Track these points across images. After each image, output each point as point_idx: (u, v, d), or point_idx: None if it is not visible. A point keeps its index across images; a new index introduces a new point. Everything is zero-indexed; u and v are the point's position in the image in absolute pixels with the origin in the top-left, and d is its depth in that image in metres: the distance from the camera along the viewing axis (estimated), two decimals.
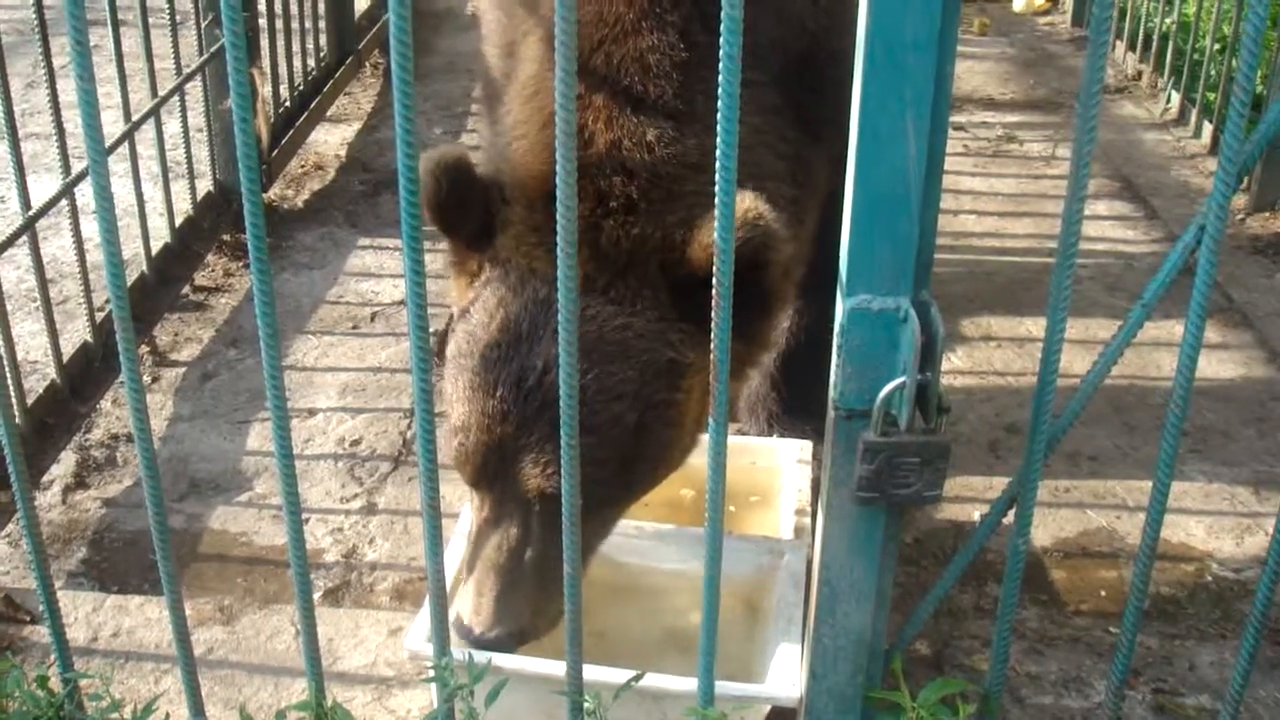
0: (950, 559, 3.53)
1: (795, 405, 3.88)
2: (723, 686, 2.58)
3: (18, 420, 3.80)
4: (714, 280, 2.18)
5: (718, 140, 2.10)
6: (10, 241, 3.78)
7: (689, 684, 2.60)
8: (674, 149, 2.83)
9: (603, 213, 2.77)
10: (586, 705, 2.54)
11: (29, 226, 3.86)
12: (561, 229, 2.14)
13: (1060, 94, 6.98)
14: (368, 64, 7.27)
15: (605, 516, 2.91)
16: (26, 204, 3.85)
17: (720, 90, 2.06)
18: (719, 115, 2.08)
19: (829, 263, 3.55)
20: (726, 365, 2.25)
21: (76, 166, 4.10)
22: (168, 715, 2.65)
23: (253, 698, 2.97)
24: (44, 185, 4.38)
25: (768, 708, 2.77)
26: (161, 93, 4.74)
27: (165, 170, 4.83)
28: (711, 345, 2.23)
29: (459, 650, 2.65)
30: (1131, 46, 7.16)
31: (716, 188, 2.15)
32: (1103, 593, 3.44)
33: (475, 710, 2.44)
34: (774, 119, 3.03)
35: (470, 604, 2.80)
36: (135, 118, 4.55)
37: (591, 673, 2.58)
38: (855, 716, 2.58)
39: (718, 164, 2.14)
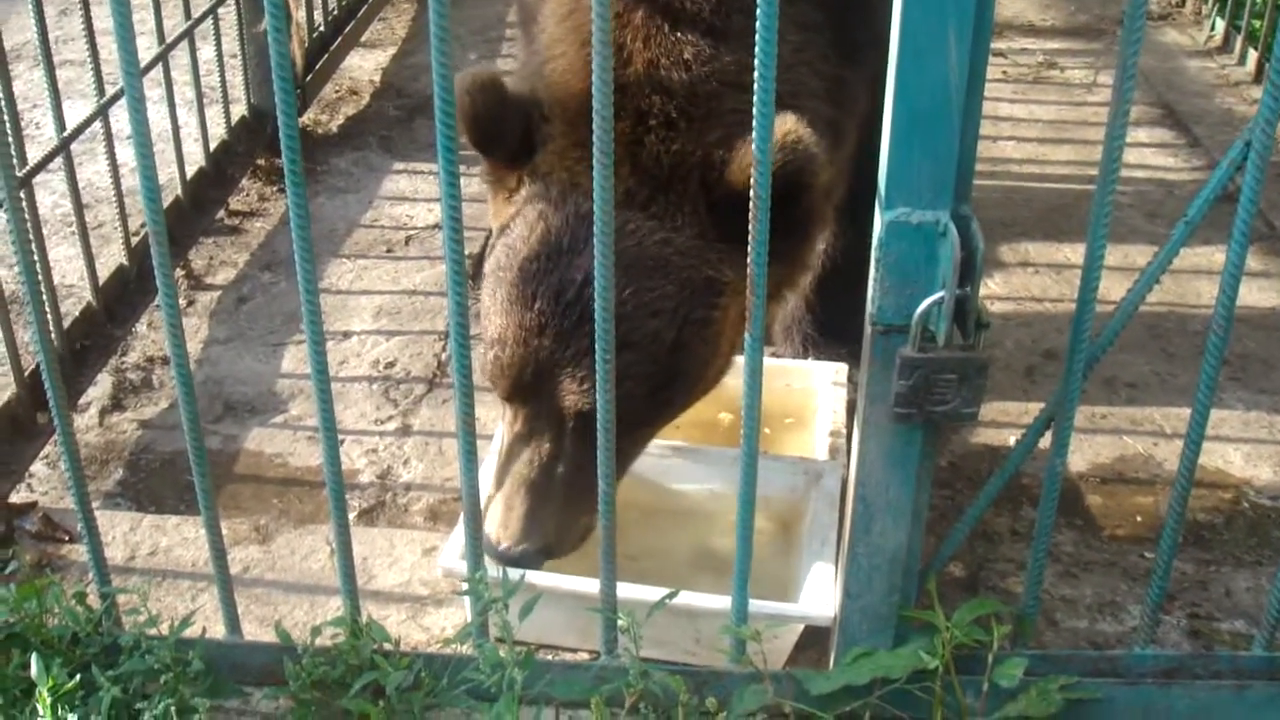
0: (985, 482, 3.50)
1: (831, 328, 3.85)
2: (756, 604, 2.59)
3: (55, 343, 3.82)
4: (751, 200, 2.16)
5: (755, 57, 2.08)
6: (44, 164, 3.76)
7: (723, 602, 2.61)
8: (711, 66, 2.79)
9: (643, 130, 2.75)
10: (620, 623, 2.55)
11: (63, 148, 3.85)
12: (598, 139, 2.13)
13: (1102, 20, 6.87)
14: None
15: (639, 436, 2.90)
16: (61, 127, 3.84)
17: (759, 5, 2.03)
18: (757, 30, 2.06)
19: (867, 187, 3.53)
20: (764, 282, 2.24)
21: (111, 91, 4.09)
22: (204, 630, 2.66)
23: (288, 615, 2.99)
24: (79, 111, 4.35)
25: (801, 626, 2.77)
26: (195, 16, 4.72)
27: (200, 94, 4.81)
28: (749, 263, 2.21)
29: (493, 567, 2.66)
30: None
31: (754, 106, 2.13)
32: (1138, 518, 3.42)
33: (509, 624, 2.44)
34: (814, 37, 2.99)
35: (498, 519, 2.81)
36: (169, 41, 4.51)
37: (625, 591, 2.59)
38: (889, 636, 2.57)
39: (755, 81, 2.11)
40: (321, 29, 6.00)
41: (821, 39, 3.01)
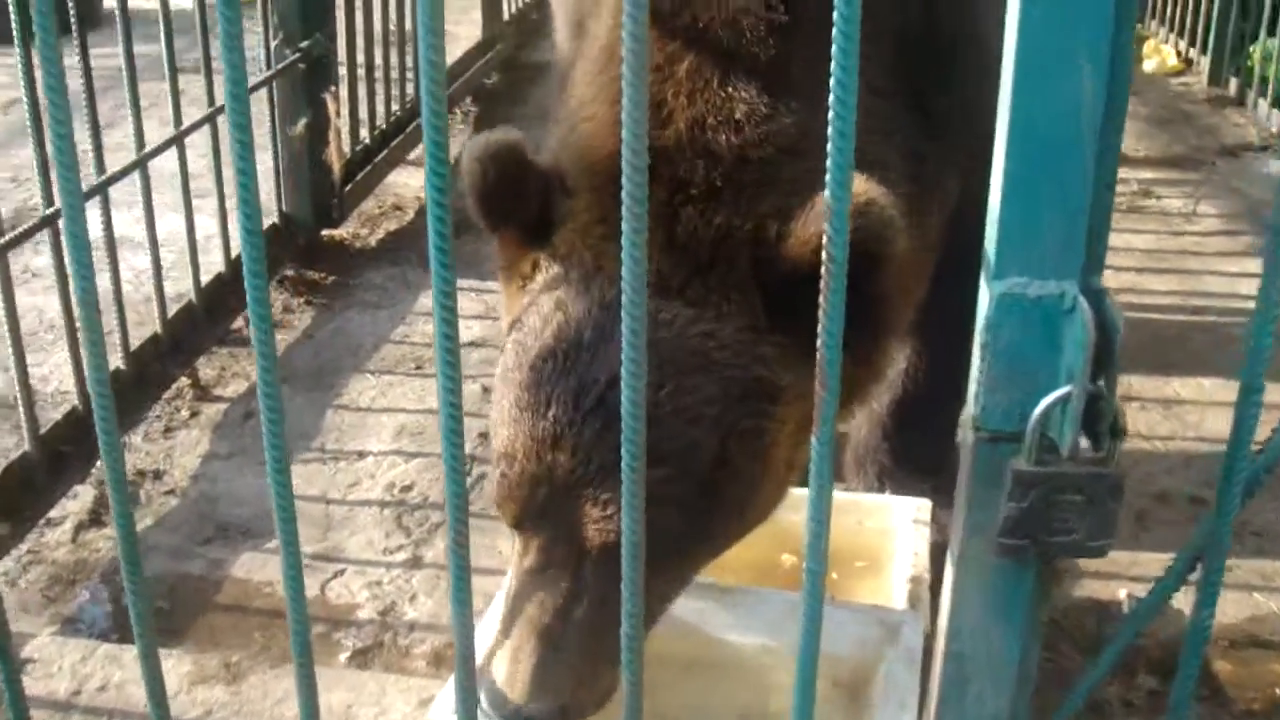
0: (1092, 644, 2.98)
1: (910, 459, 3.34)
2: None
3: (27, 448, 3.40)
4: (823, 259, 1.67)
5: (831, 101, 1.61)
6: (17, 242, 3.38)
7: None
8: (766, 128, 2.34)
9: (681, 200, 2.29)
10: None
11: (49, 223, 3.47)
12: (628, 202, 1.66)
13: (1199, 151, 6.43)
14: (458, 110, 6.91)
15: (675, 573, 2.39)
16: (49, 203, 3.46)
17: (834, 47, 1.57)
18: (833, 71, 1.59)
19: (951, 292, 3.08)
20: (837, 369, 1.74)
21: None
22: None
23: None
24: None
25: None
26: (221, 120, 4.37)
27: (222, 198, 4.43)
28: (819, 343, 1.72)
29: None
30: (1276, 104, 6.62)
31: (829, 153, 1.65)
32: (1277, 689, 2.86)
33: None
34: (886, 104, 2.54)
35: (505, 671, 2.30)
36: (183, 127, 4.15)
37: None
38: None
39: (830, 126, 1.64)
40: (366, 142, 5.65)
41: (894, 106, 2.57)
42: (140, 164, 3.89)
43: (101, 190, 3.71)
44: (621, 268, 1.65)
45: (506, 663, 2.31)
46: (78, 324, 3.65)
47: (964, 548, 1.84)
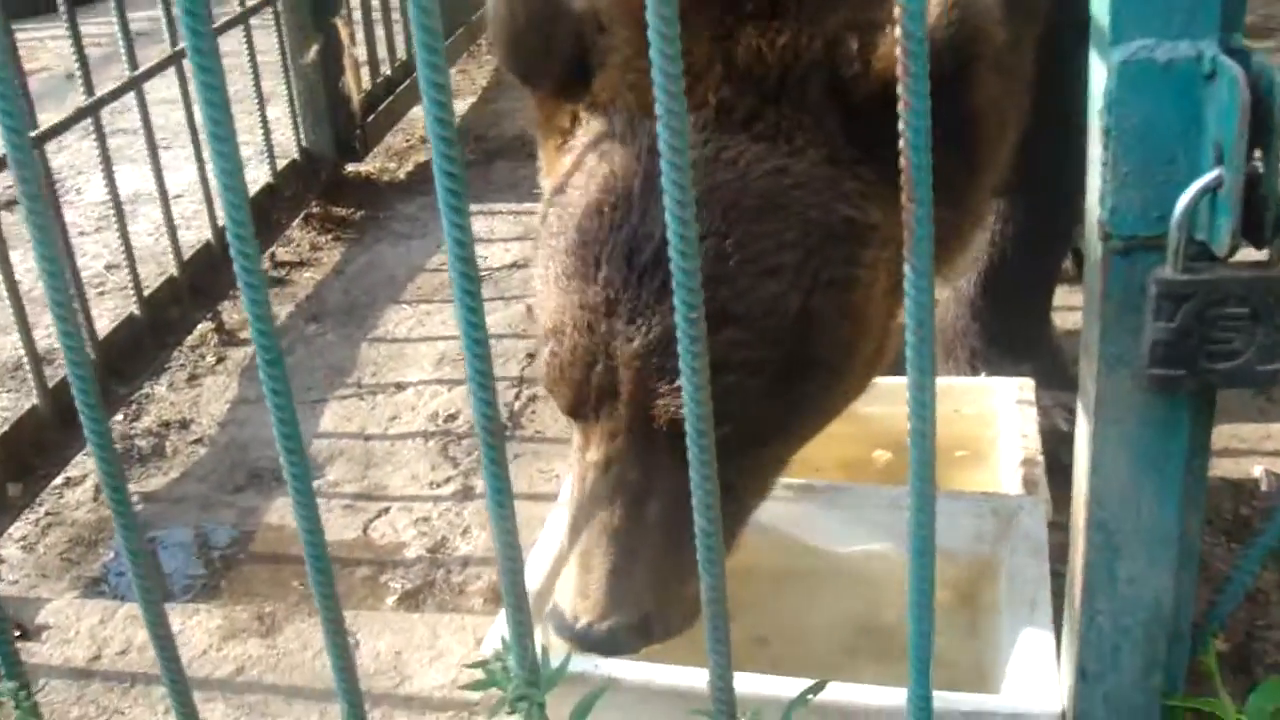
0: (1232, 527, 2.64)
1: (1005, 339, 2.98)
2: (945, 698, 1.72)
3: (36, 403, 3.13)
4: (900, 41, 1.32)
5: None
6: None
7: (894, 696, 1.76)
8: None
9: (735, 20, 1.96)
10: None
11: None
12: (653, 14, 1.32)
13: (1268, 19, 6.02)
14: (483, 40, 6.58)
15: (761, 460, 2.07)
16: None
17: None
18: None
19: (1039, 147, 2.71)
20: (928, 184, 1.39)
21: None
22: None
23: None
24: (125, 174, 3.78)
25: None
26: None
27: (232, 131, 4.12)
28: (902, 149, 1.37)
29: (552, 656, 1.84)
30: None
31: None
32: None
33: None
34: None
35: (574, 585, 1.99)
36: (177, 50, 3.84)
37: (748, 684, 1.75)
38: None
39: None
40: (388, 72, 5.33)
41: None
42: (135, 85, 3.59)
43: (93, 113, 3.43)
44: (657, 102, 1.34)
45: (575, 575, 2.01)
46: (103, 288, 3.42)
47: (1100, 389, 1.50)
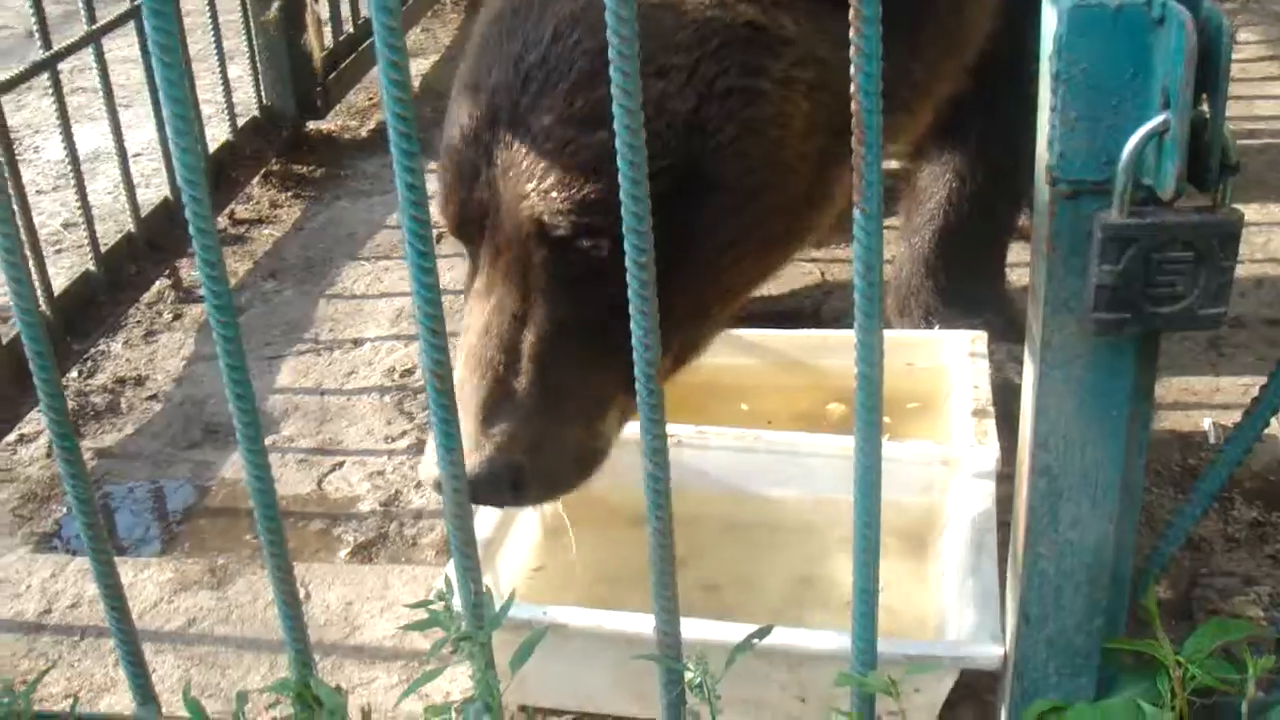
0: (1178, 478, 2.67)
1: (959, 294, 3.00)
2: (890, 643, 1.73)
3: None
4: None
5: None
6: None
7: (838, 641, 1.77)
8: None
9: None
10: (688, 675, 1.70)
11: None
12: None
13: None
14: None
15: (668, 298, 2.03)
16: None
17: None
18: None
19: (995, 98, 2.71)
20: (879, 130, 1.38)
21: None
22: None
23: (241, 680, 2.21)
24: (85, 133, 3.76)
25: (955, 673, 1.90)
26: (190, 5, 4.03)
27: (193, 95, 4.09)
28: (853, 101, 1.37)
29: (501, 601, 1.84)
30: None
31: None
32: None
33: (496, 686, 1.62)
34: None
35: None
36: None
37: (695, 629, 1.76)
38: (1090, 679, 1.72)
39: None
40: (350, 30, 5.29)
41: None
42: (94, 38, 3.55)
43: (50, 67, 3.39)
44: None
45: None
46: (59, 244, 3.38)
47: (1046, 333, 1.51)
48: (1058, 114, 1.41)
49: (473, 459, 1.84)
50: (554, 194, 1.82)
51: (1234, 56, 4.23)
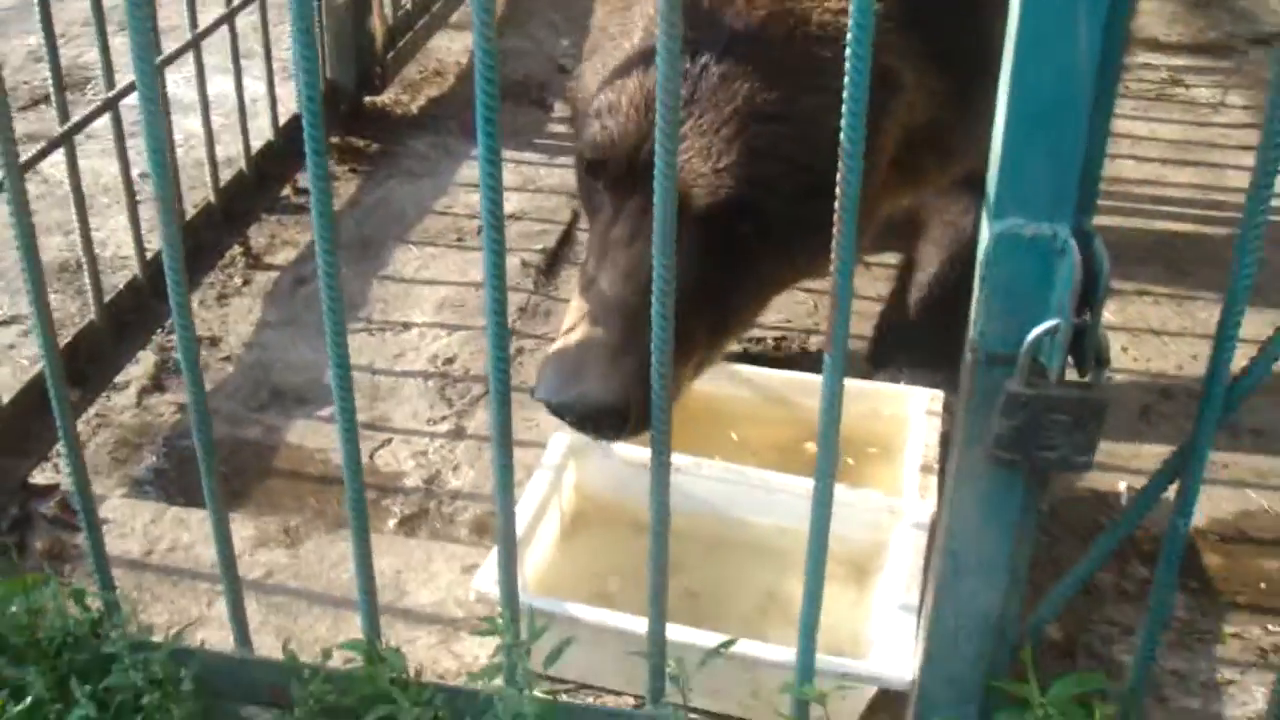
0: (1089, 533, 3.17)
1: (930, 353, 3.48)
2: (825, 660, 2.27)
3: (94, 318, 3.60)
4: None
5: None
6: (86, 122, 3.53)
7: (786, 654, 2.30)
8: None
9: None
10: (669, 670, 2.26)
11: (110, 108, 3.63)
12: None
13: (1232, 38, 6.39)
14: None
15: (772, 269, 2.49)
16: (110, 84, 3.61)
17: None
18: None
19: (970, 209, 3.18)
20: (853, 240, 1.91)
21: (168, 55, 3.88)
22: (204, 642, 2.41)
23: (308, 630, 2.72)
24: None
25: (874, 689, 2.45)
26: None
27: (270, 65, 4.54)
28: (835, 242, 1.89)
29: (529, 598, 2.38)
30: None
31: None
32: (1263, 584, 3.04)
33: (531, 672, 2.17)
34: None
35: (571, 352, 2.33)
36: (234, 4, 4.27)
37: (677, 634, 2.30)
38: (974, 708, 2.25)
39: None
40: (408, 6, 5.74)
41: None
42: (195, 44, 4.03)
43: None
44: None
45: (577, 335, 2.31)
46: (142, 197, 3.83)
47: (962, 457, 2.03)
48: (982, 304, 1.91)
49: (601, 395, 2.27)
50: (714, 175, 2.26)
51: (1217, 121, 4.68)
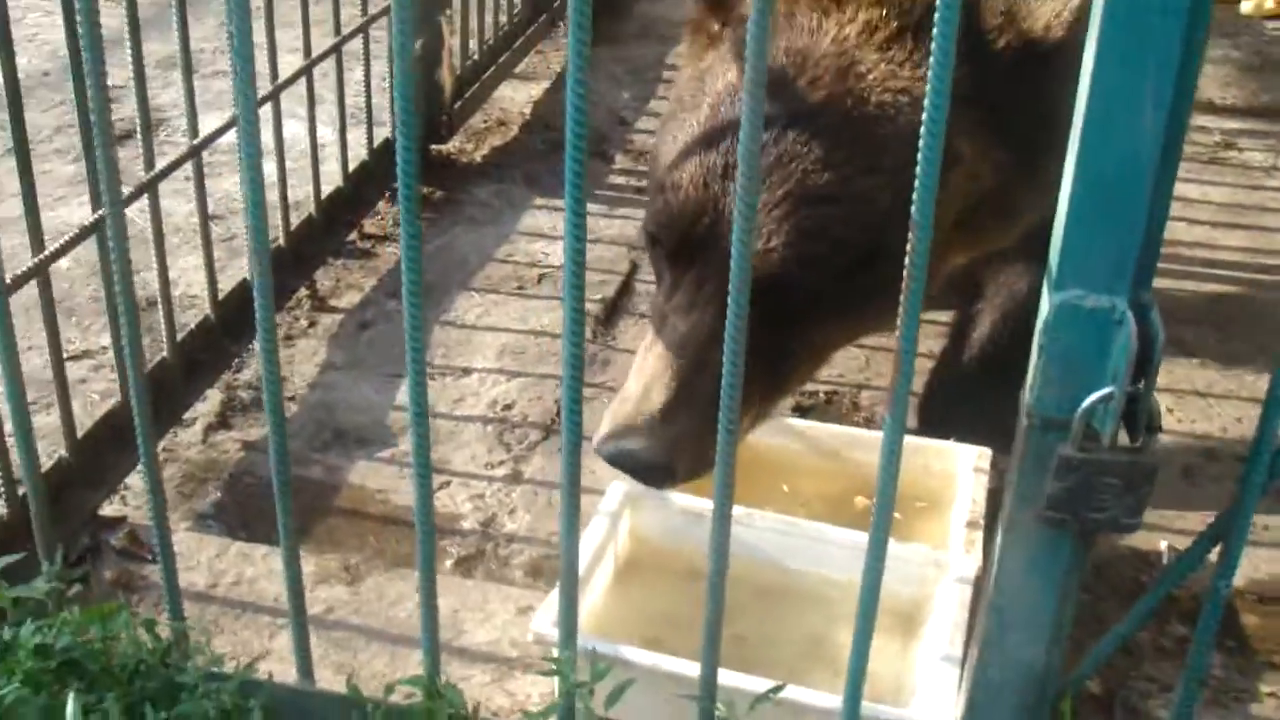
0: (1130, 590, 3.23)
1: (980, 414, 3.55)
2: (870, 708, 2.34)
3: (165, 355, 3.72)
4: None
5: None
6: (172, 169, 3.66)
7: (832, 701, 2.36)
8: None
9: None
10: (719, 712, 2.33)
11: (194, 155, 3.75)
12: None
13: None
14: (561, 23, 7.10)
15: (823, 328, 2.57)
16: (194, 132, 3.74)
17: None
18: None
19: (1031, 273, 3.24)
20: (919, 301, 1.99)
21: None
22: (270, 674, 2.50)
23: (366, 665, 2.81)
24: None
25: None
26: (344, 33, 4.62)
27: (343, 113, 4.69)
28: (901, 307, 1.97)
29: (586, 640, 2.45)
30: None
31: None
32: None
33: (593, 711, 2.24)
34: None
35: (631, 404, 2.46)
36: (313, 57, 4.41)
37: (727, 678, 2.36)
38: None
39: None
40: (475, 57, 5.88)
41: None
42: (275, 94, 4.16)
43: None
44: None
45: (634, 394, 2.45)
46: (230, 235, 3.95)
47: (1012, 516, 2.10)
48: (1039, 370, 1.98)
49: (650, 449, 2.43)
50: (764, 253, 2.36)
51: (1270, 185, 4.74)
